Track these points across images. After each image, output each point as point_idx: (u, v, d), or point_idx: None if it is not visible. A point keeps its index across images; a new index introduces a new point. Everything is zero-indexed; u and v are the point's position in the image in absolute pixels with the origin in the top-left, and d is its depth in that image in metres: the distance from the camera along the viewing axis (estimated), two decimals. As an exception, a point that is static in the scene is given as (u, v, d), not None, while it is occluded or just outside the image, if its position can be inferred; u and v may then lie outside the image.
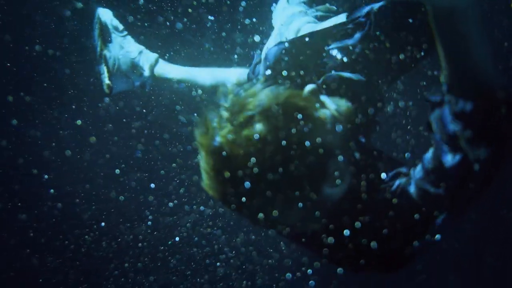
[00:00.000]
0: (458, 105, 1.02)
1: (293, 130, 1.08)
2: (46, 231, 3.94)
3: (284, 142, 1.06)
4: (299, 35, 1.98)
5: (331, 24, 1.80)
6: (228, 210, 1.22)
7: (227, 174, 1.09)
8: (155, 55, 2.55)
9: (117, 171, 3.79)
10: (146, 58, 2.52)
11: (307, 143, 1.08)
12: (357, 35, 1.67)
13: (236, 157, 1.07)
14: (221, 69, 2.44)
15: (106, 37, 2.48)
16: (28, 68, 3.54)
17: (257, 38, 2.42)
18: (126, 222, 3.96)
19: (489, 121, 1.00)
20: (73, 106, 3.68)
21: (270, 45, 2.01)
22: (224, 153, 1.08)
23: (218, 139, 1.09)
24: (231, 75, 2.33)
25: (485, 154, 1.02)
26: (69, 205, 3.88)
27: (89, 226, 3.95)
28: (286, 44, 1.75)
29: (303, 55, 1.70)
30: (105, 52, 2.44)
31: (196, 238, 3.94)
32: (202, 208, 3.64)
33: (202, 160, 1.14)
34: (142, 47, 2.55)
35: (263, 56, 1.86)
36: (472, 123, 1.02)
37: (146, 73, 2.49)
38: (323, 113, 1.19)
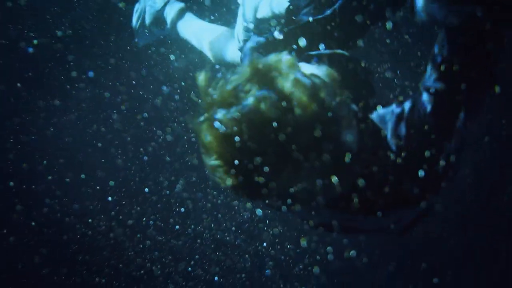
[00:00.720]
0: None
1: (281, 86, 1.05)
2: (49, 228, 3.91)
3: (277, 98, 1.03)
4: (258, 15, 1.99)
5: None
6: (251, 200, 1.18)
7: (241, 153, 1.03)
8: (179, 7, 2.50)
9: (113, 150, 3.82)
10: (170, 10, 2.50)
11: (301, 94, 1.04)
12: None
13: (243, 133, 1.02)
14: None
15: None
16: (23, 63, 3.57)
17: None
18: (133, 209, 4.00)
19: None
20: (67, 97, 3.71)
21: (239, 31, 2.07)
22: (231, 134, 1.02)
23: (218, 121, 1.05)
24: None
25: (471, 9, 1.01)
26: (71, 200, 3.89)
27: (95, 217, 3.96)
28: (262, 39, 1.75)
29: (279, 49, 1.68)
30: (136, 4, 2.57)
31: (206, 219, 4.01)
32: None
33: (210, 150, 1.07)
34: None
35: (240, 44, 2.01)
36: None
37: (168, 26, 2.54)
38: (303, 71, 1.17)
